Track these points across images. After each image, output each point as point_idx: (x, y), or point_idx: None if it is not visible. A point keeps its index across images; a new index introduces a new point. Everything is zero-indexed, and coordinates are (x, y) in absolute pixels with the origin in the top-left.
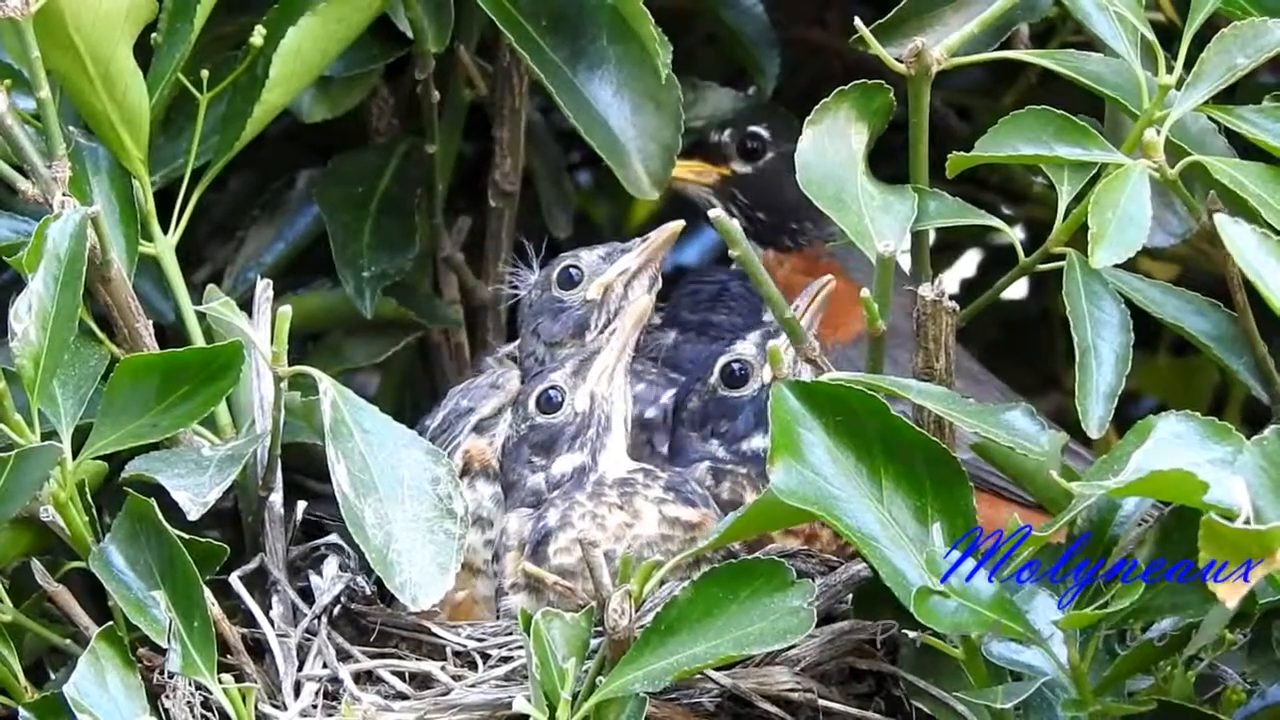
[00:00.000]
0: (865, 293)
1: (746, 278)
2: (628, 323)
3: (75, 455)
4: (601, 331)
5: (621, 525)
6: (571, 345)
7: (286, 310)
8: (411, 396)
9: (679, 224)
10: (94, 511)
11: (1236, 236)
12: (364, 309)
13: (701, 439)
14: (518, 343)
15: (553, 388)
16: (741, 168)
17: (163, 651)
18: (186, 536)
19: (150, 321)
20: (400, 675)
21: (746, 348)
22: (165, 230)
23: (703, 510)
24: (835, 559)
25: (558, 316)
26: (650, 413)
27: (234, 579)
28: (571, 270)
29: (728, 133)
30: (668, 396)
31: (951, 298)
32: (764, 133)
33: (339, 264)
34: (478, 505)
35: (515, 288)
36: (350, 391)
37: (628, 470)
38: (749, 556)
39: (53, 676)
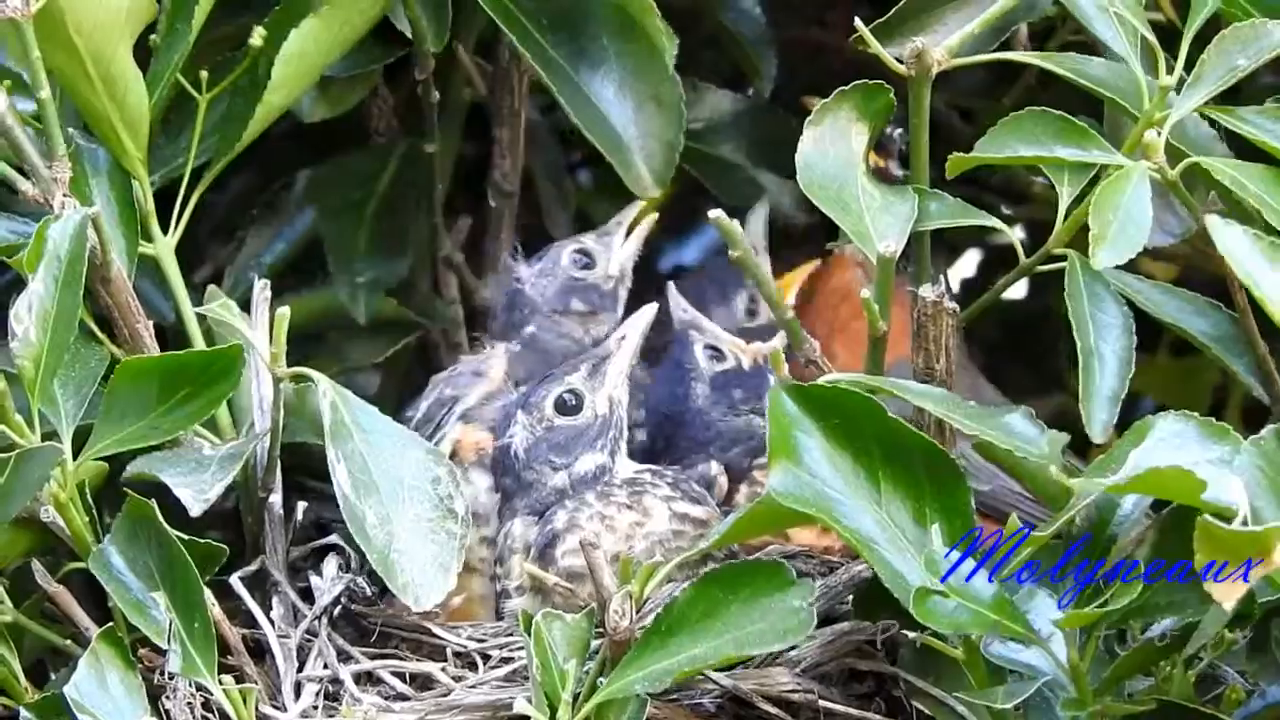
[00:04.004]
0: (866, 293)
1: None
2: (637, 328)
3: (76, 456)
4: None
5: (632, 525)
6: (603, 319)
7: (285, 311)
8: (411, 396)
9: (646, 213)
10: (94, 512)
11: (1228, 238)
12: (359, 314)
13: None
14: (529, 331)
15: (570, 390)
16: (896, 170)
17: (163, 652)
18: (187, 537)
19: (150, 322)
20: (401, 676)
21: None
22: (165, 231)
23: (708, 508)
24: (836, 560)
25: (586, 294)
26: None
27: (234, 580)
28: (578, 254)
29: (900, 131)
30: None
31: (951, 298)
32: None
33: (334, 269)
34: (473, 499)
35: (519, 280)
36: (350, 392)
37: (634, 470)
38: (750, 557)
39: (53, 677)
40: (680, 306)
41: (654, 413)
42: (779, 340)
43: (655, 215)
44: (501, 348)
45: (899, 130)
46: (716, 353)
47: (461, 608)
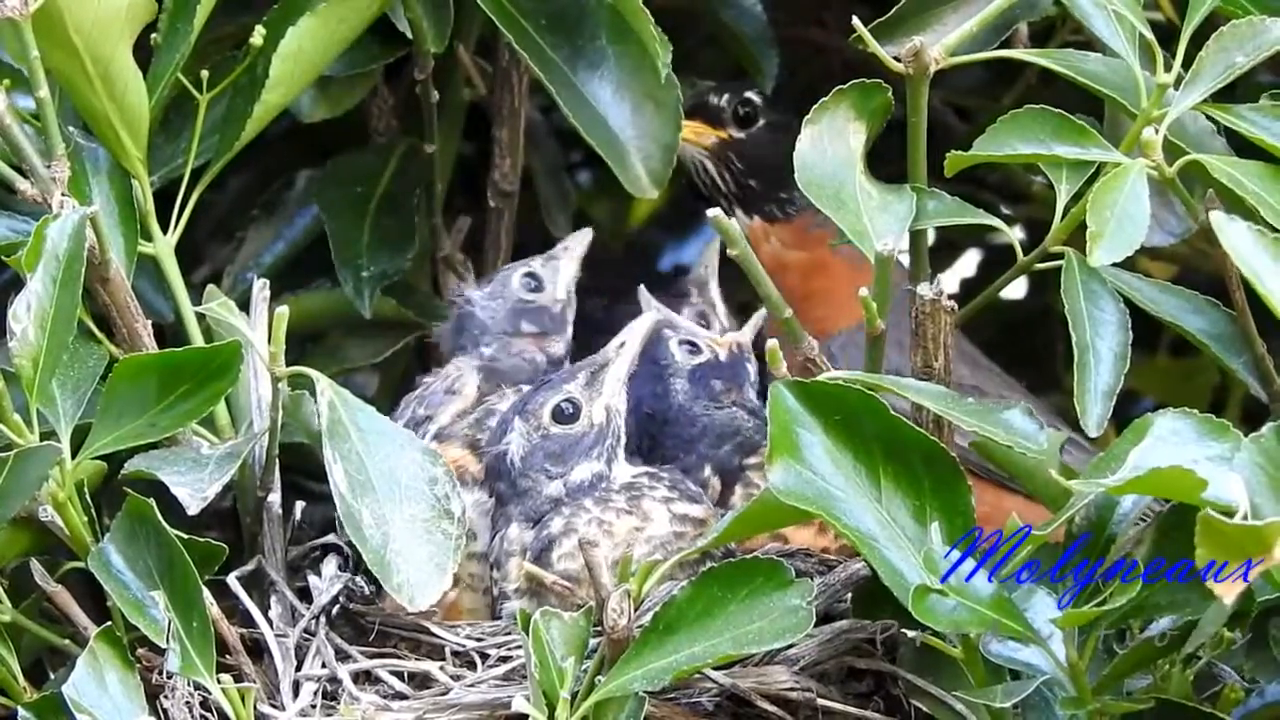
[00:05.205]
0: (864, 292)
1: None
2: (637, 336)
3: (74, 455)
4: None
5: (631, 529)
6: (554, 340)
7: (284, 311)
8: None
9: (588, 232)
10: (93, 512)
11: (1233, 234)
12: (363, 308)
13: None
14: (486, 353)
15: (568, 399)
16: (737, 133)
17: (162, 652)
18: (185, 537)
19: (149, 321)
20: (399, 675)
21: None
22: (164, 230)
23: (706, 506)
24: (835, 558)
25: (537, 315)
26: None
27: (232, 579)
28: (529, 278)
29: (725, 96)
30: None
31: (950, 297)
32: (755, 98)
33: (338, 264)
34: None
35: (469, 303)
36: (347, 392)
37: (632, 475)
38: (748, 555)
39: (52, 676)
40: (654, 307)
41: (635, 412)
42: (750, 328)
43: (589, 235)
44: (472, 363)
45: (726, 95)
46: (692, 347)
47: (454, 608)
